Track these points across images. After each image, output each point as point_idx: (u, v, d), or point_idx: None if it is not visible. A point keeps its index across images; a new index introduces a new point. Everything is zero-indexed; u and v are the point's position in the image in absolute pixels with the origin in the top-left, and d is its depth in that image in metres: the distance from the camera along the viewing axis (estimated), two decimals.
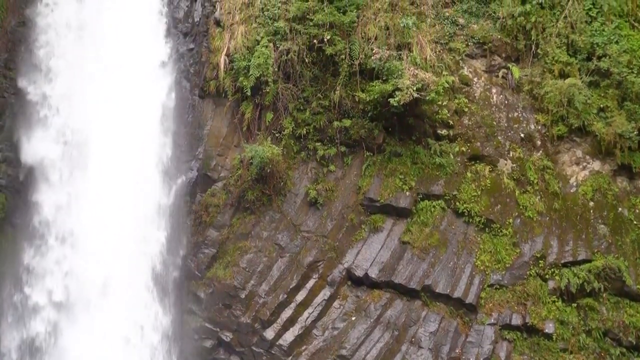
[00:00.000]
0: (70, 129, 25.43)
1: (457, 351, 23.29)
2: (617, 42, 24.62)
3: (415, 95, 23.28)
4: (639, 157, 24.14)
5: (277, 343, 24.02)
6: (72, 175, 25.03)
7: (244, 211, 25.17)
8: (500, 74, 25.69)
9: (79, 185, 24.93)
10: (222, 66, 25.57)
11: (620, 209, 23.99)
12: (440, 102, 24.41)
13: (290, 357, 24.03)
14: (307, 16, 25.11)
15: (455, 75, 25.22)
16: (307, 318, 24.06)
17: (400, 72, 23.81)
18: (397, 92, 23.34)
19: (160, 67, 26.06)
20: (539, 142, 24.97)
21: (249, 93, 24.88)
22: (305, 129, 25.16)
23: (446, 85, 24.15)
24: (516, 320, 23.37)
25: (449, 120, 24.92)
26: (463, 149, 24.94)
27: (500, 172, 24.76)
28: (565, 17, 25.17)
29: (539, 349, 23.19)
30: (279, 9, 25.75)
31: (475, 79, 25.64)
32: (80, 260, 24.38)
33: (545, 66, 25.12)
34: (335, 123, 24.95)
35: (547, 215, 24.25)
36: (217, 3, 26.62)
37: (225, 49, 25.72)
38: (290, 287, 24.20)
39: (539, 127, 25.01)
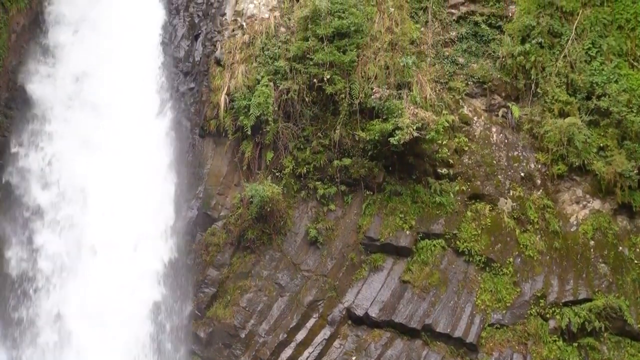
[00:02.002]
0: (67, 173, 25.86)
1: None
2: (616, 81, 25.27)
3: (415, 134, 23.84)
4: (639, 196, 24.77)
5: None
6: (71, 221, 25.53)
7: (244, 250, 25.63)
8: (500, 113, 26.42)
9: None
10: (222, 105, 26.06)
11: (620, 248, 24.59)
12: (440, 141, 25.00)
13: None
14: (308, 55, 25.69)
15: (455, 114, 25.87)
16: (308, 358, 24.46)
17: (400, 111, 24.37)
18: (397, 131, 23.92)
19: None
20: (539, 181, 25.62)
21: (249, 132, 25.38)
22: (305, 168, 25.73)
23: (446, 124, 24.75)
24: None
25: (449, 159, 25.55)
26: (463, 187, 25.59)
27: (500, 211, 25.39)
28: (565, 56, 25.88)
29: None
30: (279, 48, 26.45)
31: (475, 118, 26.37)
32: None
33: (545, 105, 25.78)
34: (336, 162, 25.55)
35: (547, 254, 24.83)
36: (218, 42, 27.29)
37: (226, 88, 26.25)
38: (291, 326, 24.64)
39: (539, 166, 25.66)
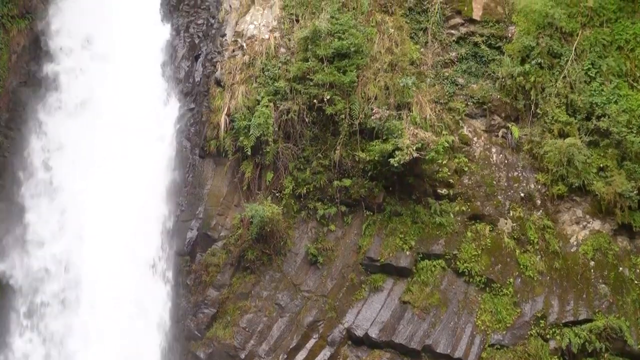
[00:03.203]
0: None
1: None
2: (616, 102, 25.65)
3: (415, 154, 24.19)
4: (639, 216, 25.08)
5: None
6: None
7: (244, 271, 25.91)
8: (500, 133, 26.75)
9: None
10: (222, 126, 26.43)
11: (621, 268, 24.86)
12: (440, 162, 25.33)
13: None
14: (308, 76, 26.08)
15: (455, 135, 26.27)
16: None
17: (400, 132, 24.74)
18: (397, 152, 24.26)
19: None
20: (539, 202, 25.95)
21: (249, 152, 25.69)
22: (305, 188, 26.06)
23: (446, 144, 25.10)
24: None
25: (449, 180, 25.89)
26: (463, 208, 25.92)
27: (500, 232, 25.70)
28: (565, 77, 26.24)
29: None
30: (279, 69, 26.86)
31: (475, 139, 26.71)
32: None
33: (544, 126, 26.13)
34: (336, 182, 25.89)
35: (547, 274, 25.11)
36: (218, 63, 27.64)
37: (226, 109, 26.61)
38: (290, 347, 24.91)
39: (539, 187, 26.00)
